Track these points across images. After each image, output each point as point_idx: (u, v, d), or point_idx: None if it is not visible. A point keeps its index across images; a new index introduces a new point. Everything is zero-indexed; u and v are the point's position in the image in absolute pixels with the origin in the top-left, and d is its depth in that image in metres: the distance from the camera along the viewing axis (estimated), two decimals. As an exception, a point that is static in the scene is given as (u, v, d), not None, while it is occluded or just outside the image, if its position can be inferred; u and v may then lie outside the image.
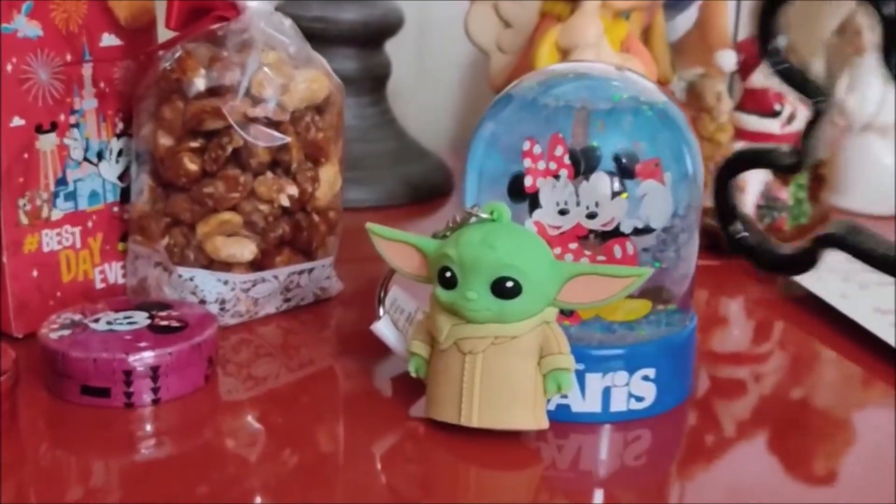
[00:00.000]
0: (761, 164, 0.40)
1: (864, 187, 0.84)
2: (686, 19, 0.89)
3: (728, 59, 0.72)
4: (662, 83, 0.78)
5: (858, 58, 0.85)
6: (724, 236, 0.43)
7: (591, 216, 0.45)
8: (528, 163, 0.45)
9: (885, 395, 0.51)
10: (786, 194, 0.73)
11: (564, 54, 0.66)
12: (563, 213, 0.45)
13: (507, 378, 0.42)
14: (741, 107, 0.74)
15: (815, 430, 0.48)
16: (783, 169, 0.40)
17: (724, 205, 0.42)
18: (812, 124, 0.36)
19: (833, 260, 0.69)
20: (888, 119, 0.83)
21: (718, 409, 0.49)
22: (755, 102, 0.73)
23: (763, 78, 0.72)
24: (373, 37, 0.81)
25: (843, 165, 0.85)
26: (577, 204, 0.45)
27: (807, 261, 0.41)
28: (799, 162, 0.37)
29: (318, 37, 0.70)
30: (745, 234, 0.42)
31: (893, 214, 0.83)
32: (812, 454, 0.45)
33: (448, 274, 0.42)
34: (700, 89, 0.79)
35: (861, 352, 0.54)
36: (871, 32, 0.84)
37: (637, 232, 0.45)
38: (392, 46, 0.84)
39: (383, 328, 0.48)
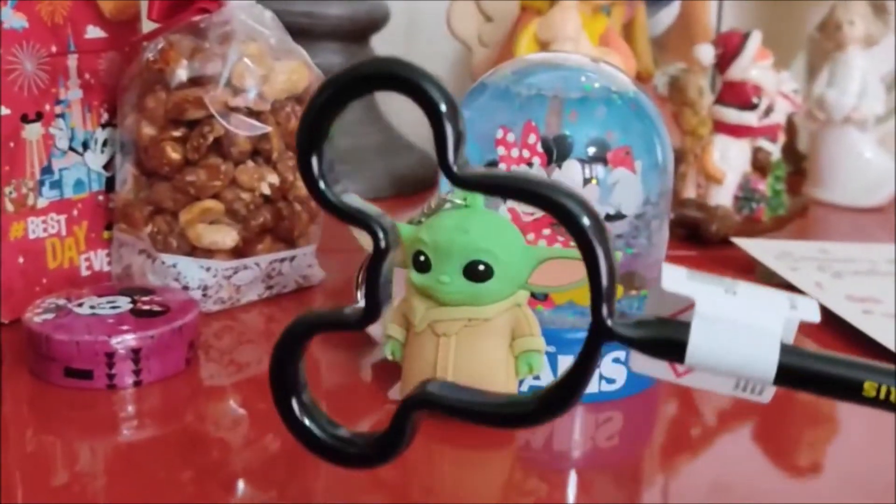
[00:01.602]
0: (327, 328, 0.32)
1: (843, 180, 0.85)
2: (669, 14, 0.90)
3: (706, 53, 0.73)
4: (644, 78, 0.79)
5: (839, 52, 0.86)
6: (284, 417, 0.33)
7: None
8: (501, 150, 0.46)
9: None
10: (764, 186, 0.74)
11: (544, 47, 0.67)
12: (536, 199, 0.46)
13: (480, 359, 0.43)
14: (720, 100, 0.74)
15: (792, 417, 0.49)
16: (353, 328, 0.31)
17: (284, 378, 0.32)
18: (376, 262, 0.29)
19: (808, 249, 0.70)
20: (867, 112, 0.84)
21: (694, 395, 0.50)
22: (733, 95, 0.74)
23: (741, 71, 0.73)
24: (359, 32, 0.82)
25: (823, 158, 0.86)
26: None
27: (394, 440, 0.31)
28: (365, 317, 0.30)
29: (305, 31, 0.71)
30: (308, 419, 0.32)
31: (872, 206, 0.84)
32: (786, 439, 0.46)
33: (422, 258, 0.43)
34: (683, 84, 0.80)
35: (836, 340, 0.55)
36: (850, 27, 0.85)
37: (609, 218, 0.46)
38: (378, 41, 0.85)
39: (360, 312, 0.49)
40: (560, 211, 0.27)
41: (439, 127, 0.27)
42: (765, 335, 0.27)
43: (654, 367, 0.29)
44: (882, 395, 0.27)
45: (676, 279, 0.28)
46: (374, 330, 0.49)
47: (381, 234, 0.29)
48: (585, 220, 0.27)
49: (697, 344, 0.27)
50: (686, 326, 0.28)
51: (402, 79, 0.27)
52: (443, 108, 0.27)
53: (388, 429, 0.30)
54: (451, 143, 0.27)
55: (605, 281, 0.27)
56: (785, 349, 0.28)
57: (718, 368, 0.28)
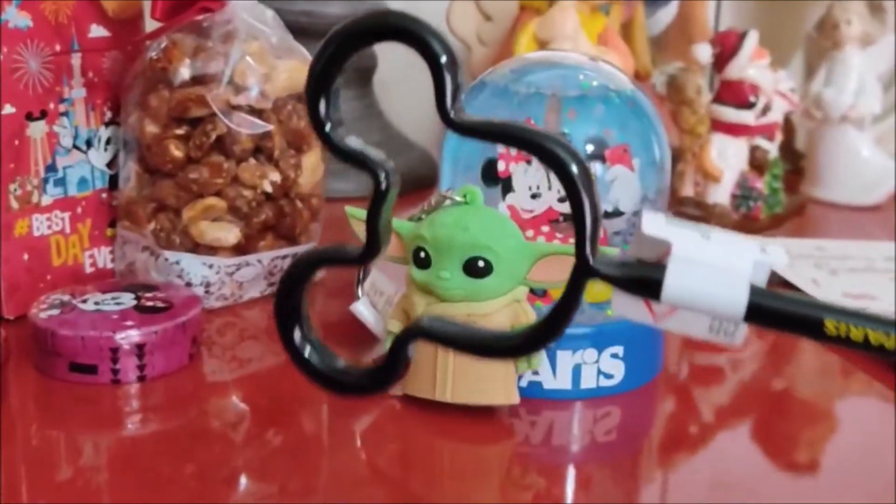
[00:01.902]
0: (330, 262, 0.33)
1: (840, 178, 0.85)
2: (667, 14, 0.90)
3: (704, 52, 0.74)
4: (642, 77, 0.79)
5: (836, 51, 0.86)
6: (286, 346, 0.34)
7: (563, 200, 0.46)
8: (500, 148, 0.46)
9: (861, 383, 0.52)
10: (761, 184, 0.75)
11: (542, 46, 0.68)
12: (535, 196, 0.47)
13: (480, 354, 0.43)
14: (718, 98, 0.75)
15: (791, 415, 0.49)
16: (353, 262, 0.32)
17: (288, 309, 0.33)
18: (376, 202, 0.30)
19: (805, 246, 0.70)
20: (864, 111, 0.85)
21: (693, 391, 0.50)
22: (731, 94, 0.74)
23: (738, 70, 0.73)
24: (359, 30, 0.83)
25: (820, 157, 0.86)
26: (549, 188, 0.46)
27: (390, 370, 0.32)
28: (368, 252, 0.31)
29: (305, 30, 0.71)
30: (309, 349, 0.33)
31: (869, 205, 0.85)
32: (785, 437, 0.47)
33: (422, 254, 0.43)
34: (681, 83, 0.80)
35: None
36: (848, 27, 0.85)
37: (607, 216, 0.47)
38: (378, 40, 0.86)
39: (361, 308, 0.49)
40: (550, 157, 0.29)
41: (439, 76, 0.29)
42: (735, 276, 0.29)
43: (634, 310, 0.31)
44: (842, 334, 0.29)
45: (656, 224, 0.30)
46: (375, 326, 0.49)
47: (382, 176, 0.30)
48: (574, 168, 0.28)
49: (673, 283, 0.29)
50: (663, 267, 0.29)
51: (407, 31, 0.29)
52: (443, 59, 0.28)
53: (384, 359, 0.32)
54: (450, 92, 0.29)
55: (588, 224, 0.29)
56: (754, 290, 0.29)
57: (692, 306, 0.29)
